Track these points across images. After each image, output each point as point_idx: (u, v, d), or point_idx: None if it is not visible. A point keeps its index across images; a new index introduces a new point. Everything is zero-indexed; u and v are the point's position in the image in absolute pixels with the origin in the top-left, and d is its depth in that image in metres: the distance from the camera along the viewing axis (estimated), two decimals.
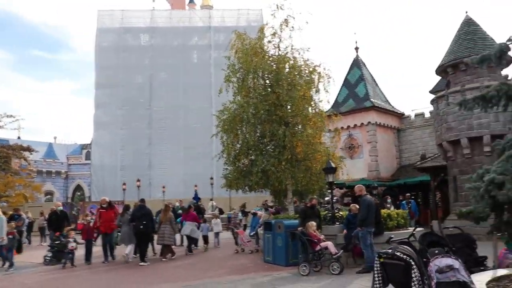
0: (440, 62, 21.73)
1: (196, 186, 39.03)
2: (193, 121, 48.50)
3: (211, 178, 39.74)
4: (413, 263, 5.15)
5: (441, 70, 21.83)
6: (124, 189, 37.92)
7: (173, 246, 16.16)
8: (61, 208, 17.62)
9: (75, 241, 14.48)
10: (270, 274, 11.33)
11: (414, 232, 7.33)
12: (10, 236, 14.01)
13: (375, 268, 5.49)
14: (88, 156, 56.32)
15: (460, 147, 19.31)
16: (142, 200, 16.00)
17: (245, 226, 22.09)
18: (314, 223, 11.64)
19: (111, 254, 15.30)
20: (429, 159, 24.87)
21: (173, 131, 48.24)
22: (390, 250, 5.36)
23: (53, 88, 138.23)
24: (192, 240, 17.04)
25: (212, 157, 46.32)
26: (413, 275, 5.12)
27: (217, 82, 48.61)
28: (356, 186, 12.23)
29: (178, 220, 18.21)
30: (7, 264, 14.00)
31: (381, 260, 5.43)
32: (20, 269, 14.08)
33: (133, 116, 49.26)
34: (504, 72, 21.05)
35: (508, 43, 6.84)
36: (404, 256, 5.18)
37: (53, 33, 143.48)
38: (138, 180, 39.23)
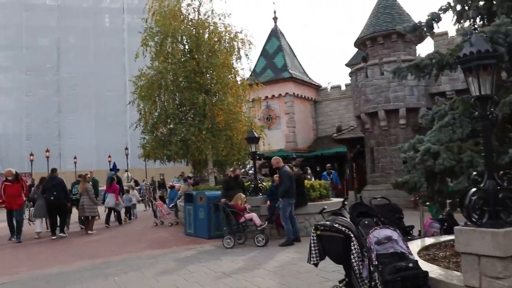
0: (359, 35, 22.05)
1: (110, 156, 37.58)
2: (105, 89, 46.33)
3: (126, 149, 38.42)
4: (352, 235, 4.96)
5: (360, 43, 22.18)
6: (31, 160, 35.71)
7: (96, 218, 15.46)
8: None
9: None
10: (193, 247, 10.92)
11: (345, 202, 7.20)
12: None
13: (312, 241, 5.25)
14: None
15: (378, 119, 19.86)
16: (53, 170, 14.80)
17: (161, 198, 21.56)
18: (243, 196, 11.33)
19: (18, 233, 13.22)
20: (345, 131, 25.49)
21: (84, 98, 45.88)
22: (328, 222, 5.13)
23: None
24: (115, 213, 16.76)
25: (126, 126, 45.10)
26: (352, 248, 4.95)
27: (131, 48, 46.68)
28: (272, 159, 11.94)
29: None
30: None
31: (318, 232, 5.18)
32: None
33: (39, 82, 46.03)
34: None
35: (439, 12, 6.78)
36: (343, 228, 4.98)
37: None
38: (47, 151, 37.01)
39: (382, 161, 19.78)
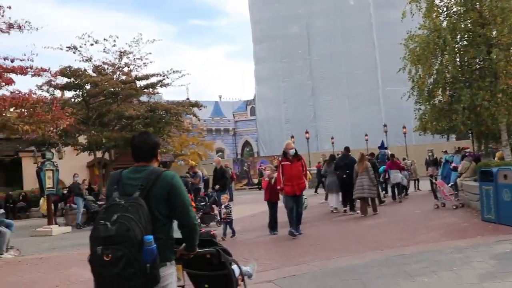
0: None
1: (366, 135, 36.57)
2: (355, 67, 45.59)
3: (385, 125, 36.89)
4: None
5: None
6: (293, 142, 37.00)
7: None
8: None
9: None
10: (505, 238, 8.55)
11: None
12: None
13: None
14: (253, 112, 56.91)
15: None
16: (347, 149, 14.32)
17: (431, 177, 19.13)
18: None
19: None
20: None
21: (335, 79, 46.04)
22: None
23: (211, 54, 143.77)
24: (402, 189, 16.58)
25: (380, 103, 43.54)
26: None
27: (378, 22, 45.24)
28: None
29: None
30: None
31: None
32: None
33: (293, 68, 48.35)
34: None
35: None
36: None
37: (209, 1, 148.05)
38: (307, 132, 37.97)
39: None
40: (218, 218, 13.62)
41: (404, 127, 36.03)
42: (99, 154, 21.83)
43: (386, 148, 23.31)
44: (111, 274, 2.70)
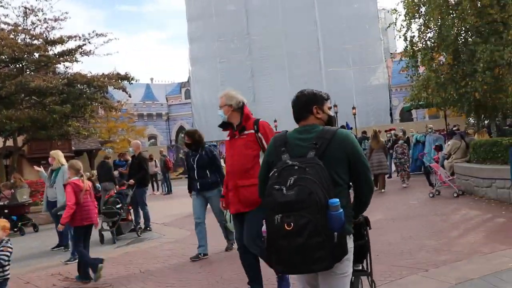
0: None
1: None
2: (296, 47, 43.29)
3: (335, 106, 34.56)
4: None
5: None
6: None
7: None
8: None
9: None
10: None
11: None
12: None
13: None
14: (187, 95, 52.93)
15: None
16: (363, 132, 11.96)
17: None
18: None
19: None
20: None
21: (276, 60, 43.66)
22: None
23: (141, 40, 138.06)
24: None
25: (323, 85, 41.72)
26: None
27: (320, 0, 43.32)
28: None
29: None
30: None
31: None
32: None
33: (230, 47, 45.44)
34: None
35: None
36: None
37: None
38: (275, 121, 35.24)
39: None
40: (139, 225, 10.26)
41: (353, 108, 33.96)
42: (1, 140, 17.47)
43: (351, 128, 20.89)
44: (294, 244, 2.44)
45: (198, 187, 7.00)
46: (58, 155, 8.81)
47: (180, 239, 8.72)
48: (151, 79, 59.28)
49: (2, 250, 4.54)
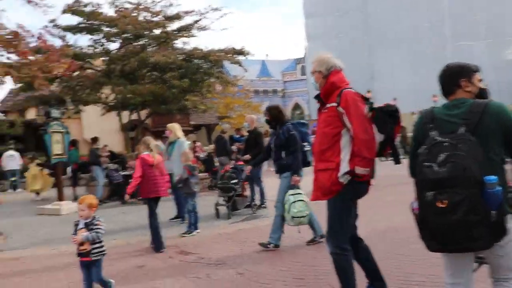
0: None
1: (435, 96, 31.91)
2: (419, 20, 40.66)
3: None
4: None
5: None
6: None
7: None
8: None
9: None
10: None
11: None
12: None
13: None
14: (303, 71, 52.37)
15: None
16: None
17: None
18: None
19: None
20: None
21: (396, 34, 41.23)
22: None
23: (256, 17, 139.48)
24: None
25: (446, 60, 38.86)
26: None
27: None
28: None
29: None
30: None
31: None
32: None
33: (347, 22, 43.67)
34: None
35: None
36: None
37: None
38: (369, 91, 33.65)
39: None
40: (255, 202, 10.06)
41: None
42: (129, 115, 18.42)
43: None
44: (449, 222, 2.42)
45: (276, 169, 6.48)
46: (174, 128, 8.90)
47: None
48: (266, 55, 59.72)
49: (97, 225, 4.42)
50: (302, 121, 7.16)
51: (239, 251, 6.41)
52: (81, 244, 4.32)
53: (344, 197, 3.74)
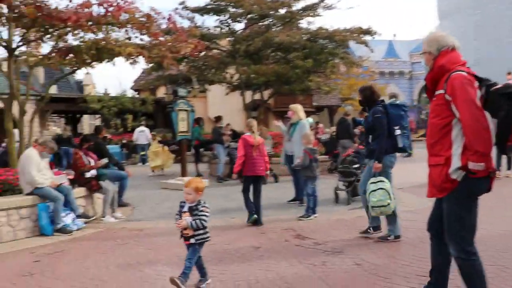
0: None
1: (509, 73, 28.05)
2: None
3: None
4: None
5: None
6: None
7: None
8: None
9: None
10: None
11: None
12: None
13: None
14: None
15: None
16: None
17: None
18: None
19: None
20: None
21: None
22: None
23: None
24: None
25: None
26: None
27: None
28: None
29: None
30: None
31: None
32: None
33: None
34: None
35: None
36: None
37: None
38: (509, 73, 30.61)
39: None
40: None
41: None
42: (252, 94, 18.71)
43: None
44: None
45: (365, 154, 6.14)
46: (297, 109, 8.77)
47: (420, 210, 7.70)
48: (394, 35, 57.07)
49: (202, 211, 4.28)
50: (397, 102, 6.53)
51: (357, 239, 6.11)
52: (185, 228, 4.25)
53: (459, 195, 3.27)
